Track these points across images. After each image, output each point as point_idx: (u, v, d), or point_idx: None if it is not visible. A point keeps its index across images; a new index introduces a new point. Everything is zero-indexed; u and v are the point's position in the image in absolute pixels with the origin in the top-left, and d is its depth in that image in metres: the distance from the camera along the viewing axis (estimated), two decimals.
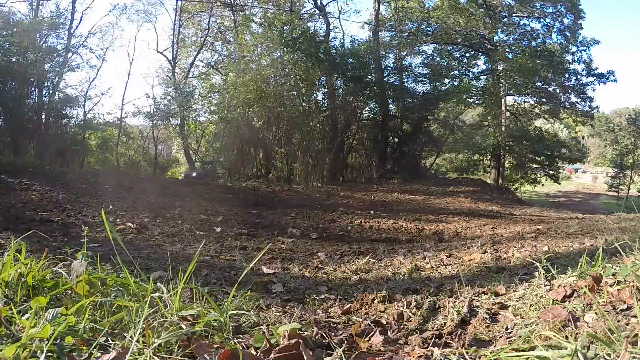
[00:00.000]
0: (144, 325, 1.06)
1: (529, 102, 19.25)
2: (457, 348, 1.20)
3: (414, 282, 2.20)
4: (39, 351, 0.92)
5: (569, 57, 18.23)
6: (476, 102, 17.89)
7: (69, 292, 1.33)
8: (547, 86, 18.12)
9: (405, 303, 1.63)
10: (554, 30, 18.10)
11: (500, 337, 1.26)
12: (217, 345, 1.07)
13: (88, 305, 1.19)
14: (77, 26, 15.23)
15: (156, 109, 16.16)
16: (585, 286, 1.36)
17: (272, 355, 1.01)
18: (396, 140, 15.51)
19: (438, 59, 17.62)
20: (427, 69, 16.73)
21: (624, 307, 1.22)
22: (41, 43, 13.24)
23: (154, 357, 0.97)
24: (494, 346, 1.20)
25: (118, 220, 4.18)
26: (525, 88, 17.22)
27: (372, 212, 6.74)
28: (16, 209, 4.41)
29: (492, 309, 1.50)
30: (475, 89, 17.14)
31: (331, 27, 15.69)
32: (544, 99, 18.79)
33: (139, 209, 4.91)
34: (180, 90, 14.83)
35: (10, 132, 11.89)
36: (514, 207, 9.11)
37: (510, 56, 17.00)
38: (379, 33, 15.91)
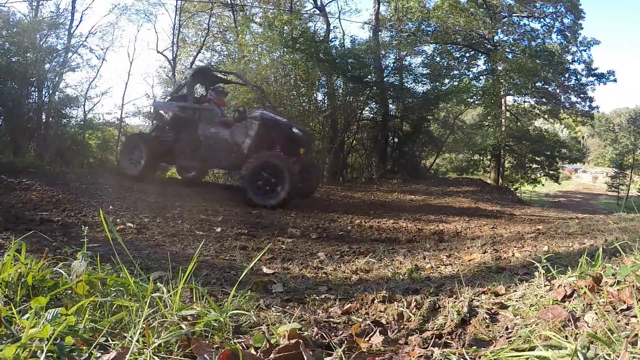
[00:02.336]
0: (144, 325, 1.06)
1: (529, 102, 19.26)
2: (457, 348, 1.21)
3: (414, 282, 2.20)
4: (39, 351, 0.92)
5: (569, 57, 18.26)
6: (476, 102, 17.88)
7: (69, 292, 1.33)
8: (547, 86, 18.12)
9: (405, 303, 1.63)
10: (554, 30, 18.13)
11: (500, 337, 1.26)
12: (217, 345, 1.07)
13: (88, 305, 1.19)
14: (77, 26, 15.32)
15: None
16: (585, 286, 1.36)
17: (272, 355, 1.01)
18: (396, 140, 15.50)
19: (438, 59, 17.62)
20: (427, 69, 16.74)
21: (624, 307, 1.23)
22: (41, 43, 13.25)
23: (154, 357, 0.97)
24: (494, 346, 1.20)
25: (118, 220, 4.18)
26: (525, 88, 17.23)
27: (372, 212, 6.74)
28: (16, 209, 4.41)
29: (492, 309, 1.50)
30: (475, 89, 17.14)
31: (331, 27, 15.72)
32: (544, 99, 18.80)
33: (139, 209, 4.91)
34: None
35: (10, 132, 11.89)
36: (514, 207, 9.11)
37: (510, 56, 17.00)
38: (379, 33, 15.91)
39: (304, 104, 13.03)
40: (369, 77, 14.00)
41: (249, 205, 6.04)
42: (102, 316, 1.19)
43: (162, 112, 7.19)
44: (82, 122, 15.95)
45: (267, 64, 12.43)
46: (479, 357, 1.12)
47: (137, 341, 1.00)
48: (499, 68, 16.88)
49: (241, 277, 1.58)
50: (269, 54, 12.72)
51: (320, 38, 13.84)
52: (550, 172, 19.26)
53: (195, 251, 2.72)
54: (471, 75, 18.02)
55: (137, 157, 6.94)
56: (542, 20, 17.97)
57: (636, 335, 1.02)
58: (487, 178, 17.99)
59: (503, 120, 18.00)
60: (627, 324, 1.12)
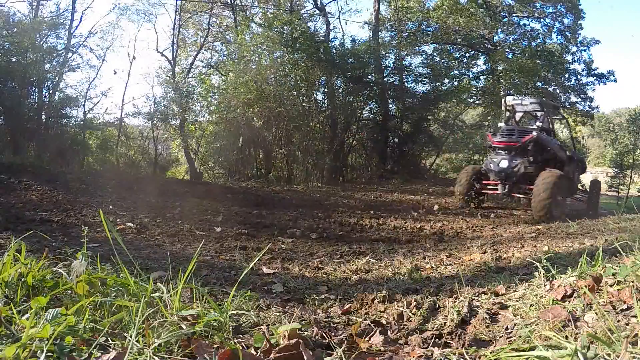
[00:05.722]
0: (144, 326, 1.06)
1: None
2: (457, 348, 1.21)
3: (414, 282, 2.20)
4: (39, 351, 0.92)
5: (569, 57, 18.23)
6: (476, 102, 17.87)
7: (69, 292, 1.33)
8: (547, 86, 18.09)
9: (405, 303, 1.63)
10: (554, 30, 18.10)
11: (500, 337, 1.26)
12: (217, 345, 1.07)
13: (88, 305, 1.19)
14: (77, 26, 15.22)
15: (156, 110, 16.14)
16: (585, 286, 1.36)
17: (272, 355, 1.01)
18: (396, 140, 15.48)
19: (438, 59, 17.60)
20: (427, 69, 16.72)
21: (624, 307, 1.23)
22: (41, 43, 13.23)
23: (154, 357, 0.97)
24: (494, 346, 1.20)
25: (118, 220, 4.18)
26: (525, 88, 17.20)
27: (372, 212, 6.73)
28: (16, 209, 4.41)
29: (492, 309, 1.50)
30: (475, 89, 17.13)
31: (331, 27, 15.69)
32: (544, 99, 18.78)
33: (139, 209, 4.91)
34: (179, 91, 14.82)
35: (10, 132, 11.88)
36: (514, 207, 9.10)
37: (510, 56, 16.99)
38: (379, 33, 15.90)
39: (304, 104, 13.04)
40: (369, 77, 14.01)
41: (248, 205, 6.01)
42: (102, 316, 1.19)
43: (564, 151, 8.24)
44: (82, 122, 15.91)
45: (267, 64, 12.43)
46: (479, 357, 1.12)
47: (137, 341, 1.00)
48: (499, 68, 16.87)
49: (241, 277, 1.58)
50: (269, 54, 12.72)
51: (320, 38, 13.84)
52: None
53: (195, 251, 2.73)
54: (471, 75, 18.00)
55: (562, 198, 7.20)
56: (542, 20, 17.96)
57: (636, 335, 1.02)
58: None
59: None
60: (627, 324, 1.12)
